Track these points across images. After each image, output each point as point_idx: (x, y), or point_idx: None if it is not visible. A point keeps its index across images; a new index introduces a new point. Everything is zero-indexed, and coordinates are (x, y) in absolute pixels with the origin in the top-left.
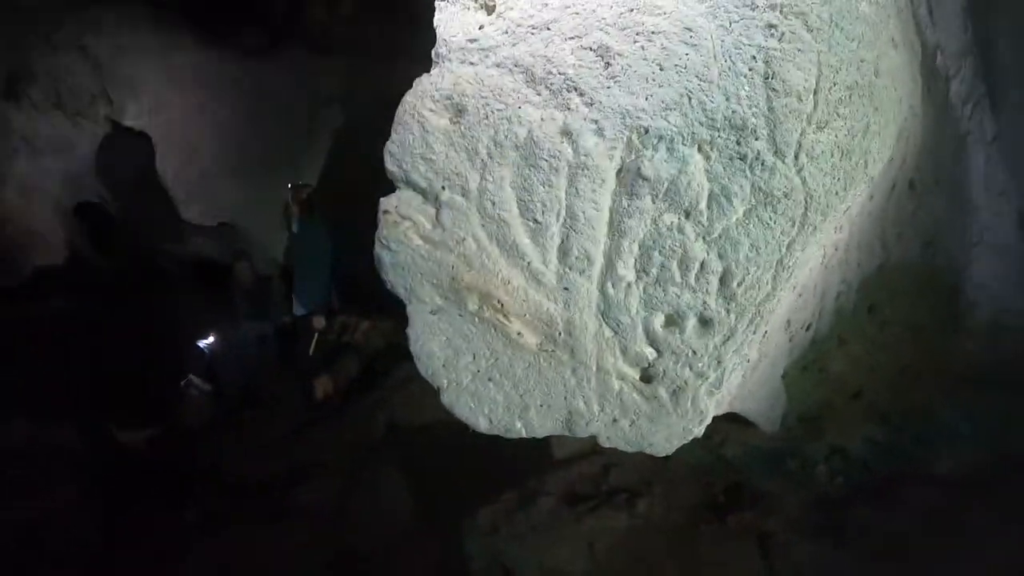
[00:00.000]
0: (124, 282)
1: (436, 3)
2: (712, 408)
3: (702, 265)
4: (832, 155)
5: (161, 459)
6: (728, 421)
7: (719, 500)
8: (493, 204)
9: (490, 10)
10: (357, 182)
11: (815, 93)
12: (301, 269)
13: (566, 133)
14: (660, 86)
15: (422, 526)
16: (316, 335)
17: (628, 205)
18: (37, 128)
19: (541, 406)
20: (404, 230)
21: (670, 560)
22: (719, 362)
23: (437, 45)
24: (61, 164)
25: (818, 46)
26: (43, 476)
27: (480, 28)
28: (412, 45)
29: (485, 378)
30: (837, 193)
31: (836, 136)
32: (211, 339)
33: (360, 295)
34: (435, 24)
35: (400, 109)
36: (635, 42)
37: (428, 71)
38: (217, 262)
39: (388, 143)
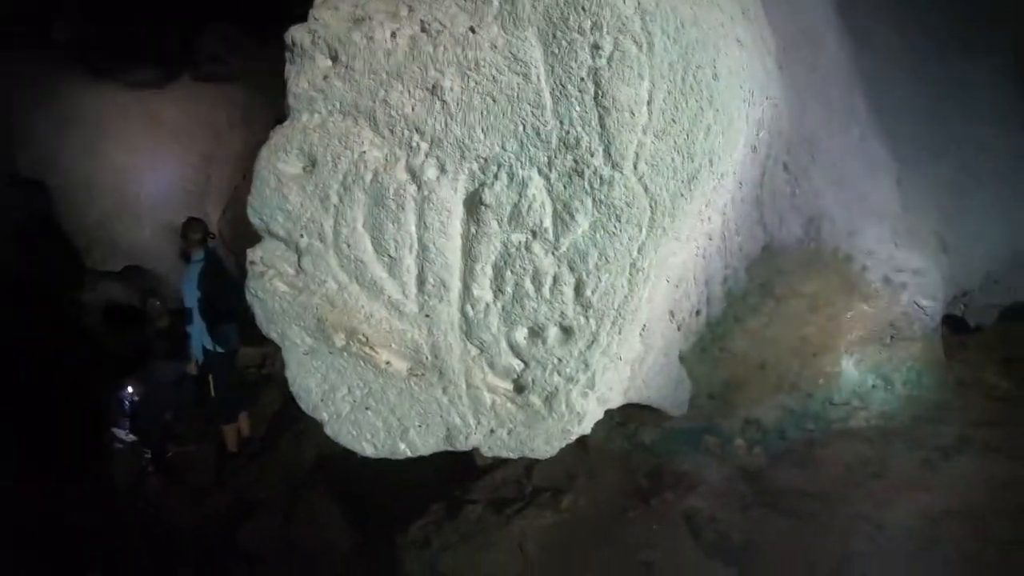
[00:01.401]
0: (32, 336)
1: (286, 55)
2: (592, 406)
3: (555, 279)
4: (673, 160)
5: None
6: (640, 409)
7: (642, 485)
8: (349, 246)
9: (334, 59)
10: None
11: (648, 104)
12: (199, 306)
13: (410, 171)
14: (494, 116)
15: (361, 549)
16: (211, 376)
17: (476, 231)
18: None
19: (420, 426)
20: (269, 279)
21: (601, 549)
22: (587, 365)
23: (287, 97)
24: None
25: (648, 59)
26: None
27: (325, 79)
28: None
29: (362, 407)
30: (683, 195)
31: (675, 141)
32: (129, 387)
33: None
34: (285, 76)
35: (257, 163)
36: (467, 77)
37: None
38: (127, 305)
39: (249, 196)
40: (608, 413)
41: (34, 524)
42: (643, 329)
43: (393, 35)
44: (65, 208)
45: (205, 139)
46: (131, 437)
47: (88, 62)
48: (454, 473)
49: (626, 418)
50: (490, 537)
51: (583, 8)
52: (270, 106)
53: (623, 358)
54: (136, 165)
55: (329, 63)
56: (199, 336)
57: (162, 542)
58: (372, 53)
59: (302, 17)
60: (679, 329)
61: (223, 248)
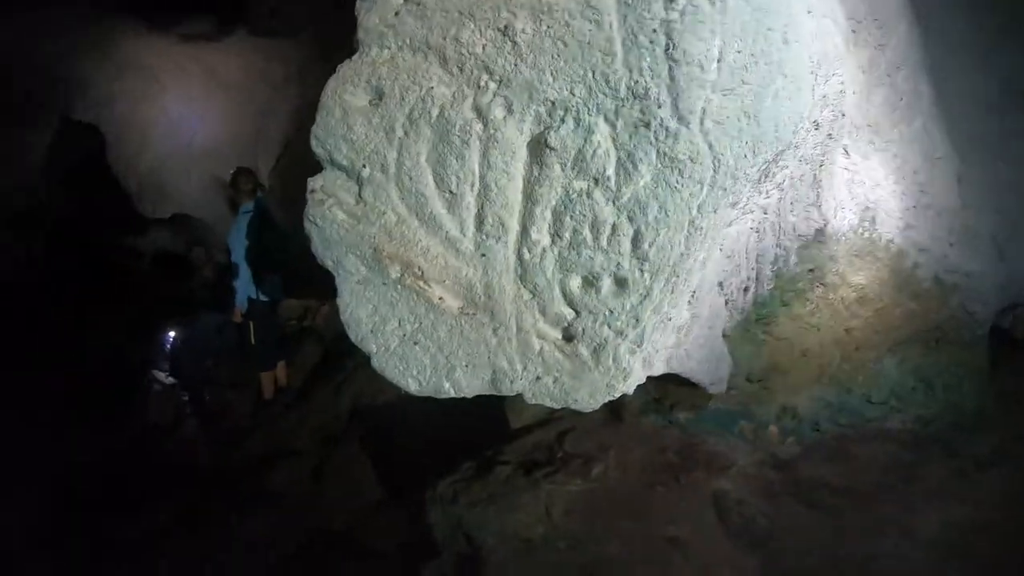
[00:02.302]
0: (81, 280)
1: None
2: (637, 366)
3: (613, 228)
4: (739, 120)
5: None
6: (678, 385)
7: (673, 462)
8: (410, 179)
9: None
10: (311, 165)
11: (718, 61)
12: (246, 255)
13: (476, 109)
14: (564, 61)
15: (387, 501)
16: (252, 324)
17: (539, 174)
18: None
19: (466, 366)
20: (329, 207)
21: (626, 520)
22: (637, 320)
23: (357, 31)
24: (13, 167)
25: (720, 17)
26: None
27: (396, 14)
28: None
29: (411, 342)
30: (746, 156)
31: (742, 102)
32: (171, 332)
33: (317, 278)
34: (356, 11)
35: (323, 93)
36: (540, 20)
37: None
38: (174, 253)
39: (313, 126)
40: (644, 387)
41: (74, 464)
42: (692, 295)
43: None
44: (118, 154)
45: (259, 93)
46: (170, 379)
47: (143, 13)
48: (487, 434)
49: (662, 394)
50: (517, 498)
51: None
52: (325, 62)
53: (672, 320)
54: (190, 115)
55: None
56: (244, 285)
57: (193, 483)
58: None
59: None
60: (727, 304)
61: (272, 201)
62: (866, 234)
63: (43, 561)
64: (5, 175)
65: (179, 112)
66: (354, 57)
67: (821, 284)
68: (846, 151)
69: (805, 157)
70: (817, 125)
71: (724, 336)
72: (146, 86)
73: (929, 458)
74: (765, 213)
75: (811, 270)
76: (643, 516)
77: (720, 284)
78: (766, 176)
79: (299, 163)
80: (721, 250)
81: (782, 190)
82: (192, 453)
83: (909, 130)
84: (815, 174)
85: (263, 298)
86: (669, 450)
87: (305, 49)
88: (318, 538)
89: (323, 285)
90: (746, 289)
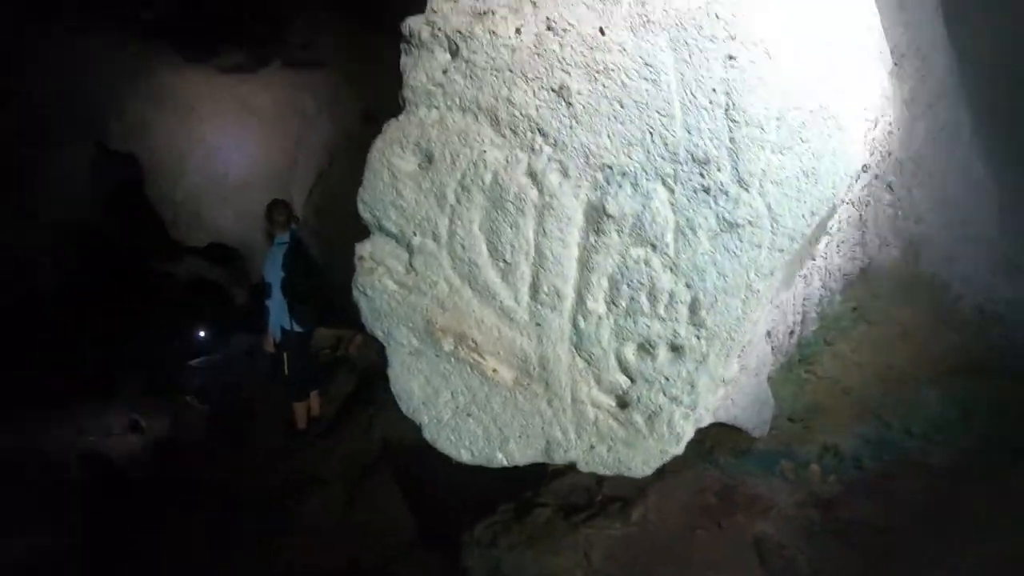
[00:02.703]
0: (118, 301)
1: (401, 46)
2: (689, 429)
3: (671, 295)
4: (798, 179)
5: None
6: (718, 426)
7: (713, 504)
8: (463, 247)
9: (454, 53)
10: (344, 194)
11: (778, 119)
12: (281, 285)
13: (531, 175)
14: (622, 123)
15: (421, 540)
16: (285, 355)
17: (595, 241)
18: (21, 151)
19: (520, 437)
20: (379, 276)
21: (666, 566)
22: (692, 386)
23: (403, 89)
24: (48, 186)
25: (778, 72)
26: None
27: (444, 72)
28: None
29: (464, 414)
30: (804, 216)
31: (801, 161)
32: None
33: (351, 308)
34: (401, 68)
35: (370, 155)
36: (595, 80)
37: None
38: (208, 280)
39: (360, 190)
40: None
41: (105, 477)
42: (742, 349)
43: (518, 31)
44: (154, 182)
45: (293, 124)
46: (202, 406)
47: (179, 46)
48: (524, 474)
49: (703, 435)
50: (557, 542)
51: (717, 15)
52: (358, 93)
53: (724, 380)
54: (225, 145)
55: (448, 57)
56: (277, 314)
57: (224, 508)
58: (495, 48)
59: (415, 8)
60: (772, 350)
61: (306, 231)
62: (910, 269)
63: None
64: (46, 192)
65: (215, 142)
66: (401, 117)
67: (864, 321)
68: (890, 187)
69: (852, 200)
70: (866, 168)
71: (768, 379)
72: (183, 116)
73: (971, 492)
74: (813, 259)
75: (854, 308)
76: (683, 561)
77: (769, 333)
78: (821, 230)
79: (332, 194)
80: (771, 301)
81: (830, 234)
82: (222, 476)
83: (951, 161)
84: (861, 214)
85: (297, 328)
86: (709, 492)
87: (336, 80)
88: (346, 571)
89: (356, 315)
90: (791, 333)
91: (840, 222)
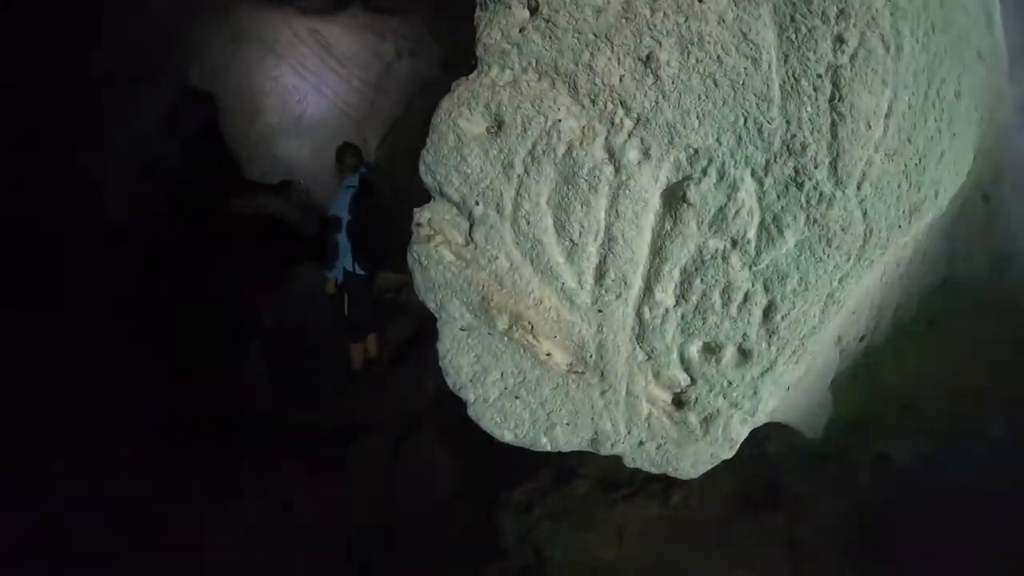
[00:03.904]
0: (190, 237)
1: (477, 0)
2: (744, 433)
3: (746, 296)
4: (899, 186)
5: None
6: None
7: (755, 498)
8: (528, 222)
9: (533, 10)
10: (417, 142)
11: (886, 117)
12: (347, 228)
13: (608, 150)
14: (713, 103)
15: (460, 495)
16: (346, 297)
17: (671, 229)
18: (103, 91)
19: (567, 425)
20: (436, 245)
21: (697, 556)
22: (755, 392)
23: (476, 46)
24: (129, 125)
25: (894, 64)
26: (103, 422)
27: (521, 31)
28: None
29: (512, 395)
30: (900, 226)
31: (905, 165)
32: (272, 290)
33: None
34: (475, 22)
35: (436, 116)
36: (688, 53)
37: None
38: (279, 217)
39: (423, 151)
40: None
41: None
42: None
43: None
44: (230, 121)
45: (371, 68)
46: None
47: None
48: None
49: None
50: (592, 517)
51: None
52: (437, 41)
53: (788, 387)
54: (302, 86)
55: (527, 14)
56: (341, 258)
57: (275, 442)
58: (579, 8)
59: None
60: (840, 353)
61: (376, 175)
62: (994, 287)
63: (130, 500)
64: (125, 129)
65: (292, 83)
66: (471, 76)
67: (938, 335)
68: (986, 197)
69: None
70: (968, 175)
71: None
72: (261, 56)
73: (1021, 527)
74: (897, 265)
75: (930, 321)
76: (716, 553)
77: (839, 337)
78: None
79: (404, 140)
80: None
81: (918, 240)
82: (278, 413)
83: None
84: (951, 223)
85: (359, 271)
86: (753, 485)
87: (416, 27)
88: (385, 517)
89: None
90: (861, 338)
91: (930, 228)
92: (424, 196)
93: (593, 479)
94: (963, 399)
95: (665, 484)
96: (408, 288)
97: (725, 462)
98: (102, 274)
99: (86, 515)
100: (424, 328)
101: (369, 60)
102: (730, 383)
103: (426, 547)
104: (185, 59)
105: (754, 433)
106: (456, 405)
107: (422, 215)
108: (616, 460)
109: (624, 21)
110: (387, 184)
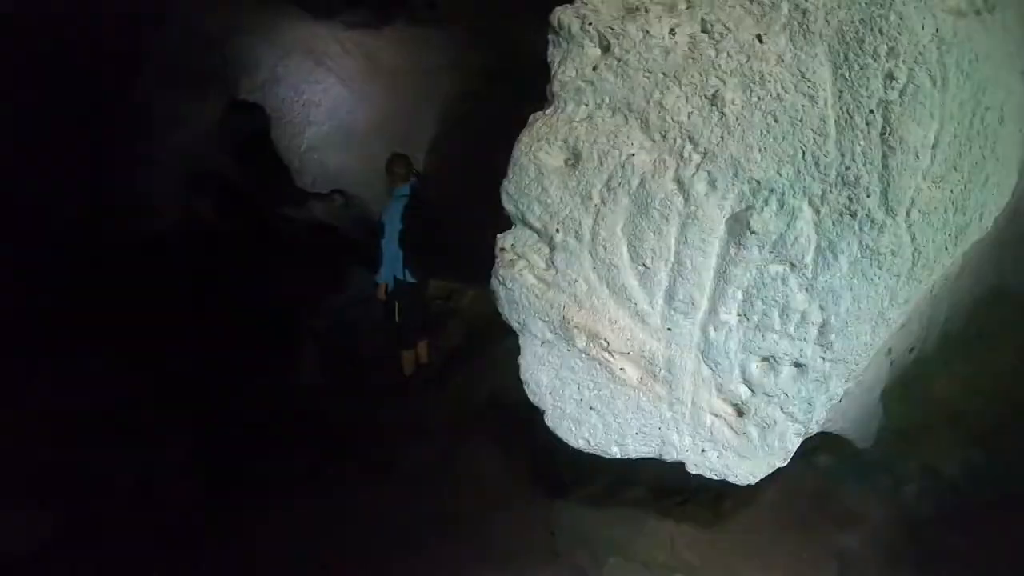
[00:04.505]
0: (242, 245)
1: (549, 37)
2: (798, 443)
3: (803, 315)
4: (946, 211)
5: None
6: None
7: (804, 508)
8: (605, 248)
9: (605, 49)
10: (463, 152)
11: (934, 147)
12: (399, 237)
13: (678, 182)
14: (774, 138)
15: (514, 498)
16: (397, 304)
17: (735, 254)
18: (155, 104)
19: (637, 435)
20: (519, 269)
21: (747, 564)
22: (810, 405)
23: (551, 83)
24: (180, 136)
25: (940, 97)
26: (158, 425)
27: (594, 69)
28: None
29: (587, 407)
30: (947, 248)
31: (951, 191)
32: (324, 296)
33: (465, 262)
34: (548, 60)
35: (516, 149)
36: (750, 91)
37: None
38: (330, 225)
39: (505, 181)
40: None
41: (224, 411)
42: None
43: (672, 32)
44: (281, 132)
45: (417, 79)
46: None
47: (305, 4)
48: None
49: (808, 437)
50: (645, 523)
51: (880, 31)
52: (481, 53)
53: (840, 399)
54: (350, 98)
55: (599, 52)
56: (392, 264)
57: (327, 446)
58: (648, 48)
59: None
60: (891, 365)
61: (425, 185)
62: None
63: (182, 501)
64: (178, 139)
65: (340, 95)
66: (548, 111)
67: (988, 347)
68: None
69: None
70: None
71: (881, 393)
72: (310, 69)
73: None
74: (945, 279)
75: (980, 333)
76: (765, 563)
77: (889, 349)
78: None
79: (451, 150)
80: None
81: (967, 254)
82: (331, 416)
83: None
84: (1001, 235)
85: (410, 279)
86: (803, 495)
87: (459, 40)
88: (438, 519)
89: (470, 269)
90: (911, 350)
91: (979, 242)
92: (475, 208)
93: (646, 486)
94: (1013, 412)
95: (716, 493)
96: (458, 294)
97: (775, 472)
98: (155, 282)
99: (137, 516)
100: (475, 334)
101: (414, 71)
102: (787, 395)
103: (479, 551)
104: (236, 72)
105: (804, 444)
106: (511, 410)
107: (505, 240)
108: (668, 468)
109: (691, 61)
110: (434, 193)
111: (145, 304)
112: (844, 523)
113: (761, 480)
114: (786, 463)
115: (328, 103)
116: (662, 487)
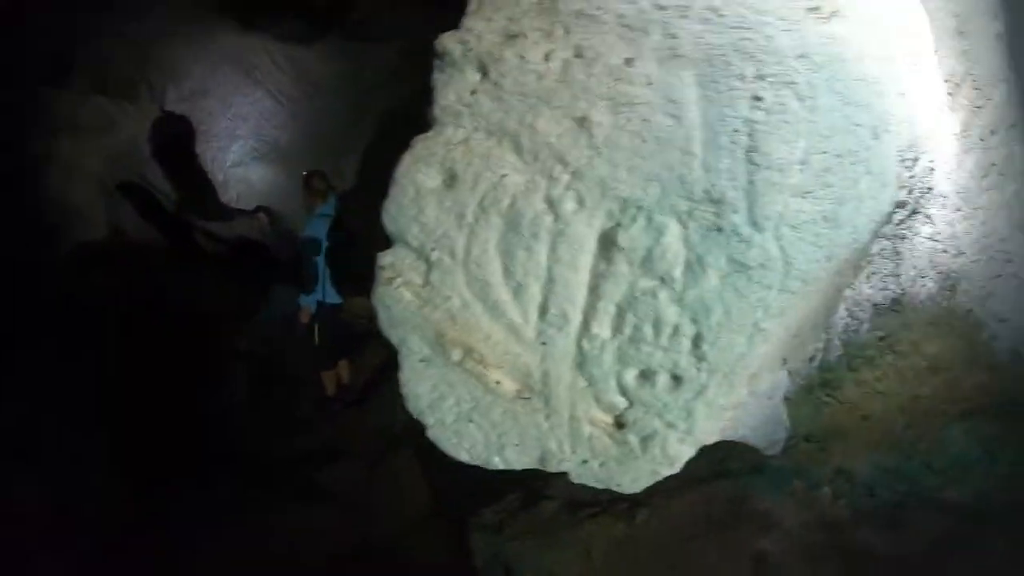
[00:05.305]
0: (163, 259)
1: (434, 62)
2: (686, 452)
3: (675, 328)
4: (816, 224)
5: None
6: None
7: (718, 515)
8: (478, 266)
9: (483, 74)
10: (390, 173)
11: (802, 164)
12: (322, 255)
13: (548, 201)
14: (641, 157)
15: (433, 518)
16: (316, 327)
17: (605, 270)
18: (80, 112)
19: (516, 445)
20: (397, 286)
21: (664, 571)
22: (689, 414)
23: (432, 107)
24: (103, 145)
25: (807, 116)
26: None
27: (472, 93)
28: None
29: (466, 419)
30: (819, 261)
31: (822, 206)
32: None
33: None
34: (431, 84)
35: (397, 170)
36: (618, 113)
37: None
38: (255, 242)
39: (385, 202)
40: None
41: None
42: (752, 376)
43: (547, 57)
44: (208, 144)
45: (349, 95)
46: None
47: (237, 15)
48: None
49: (715, 444)
50: (559, 536)
51: (748, 53)
52: (416, 70)
53: (726, 407)
54: (281, 112)
55: (478, 78)
56: (313, 287)
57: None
58: (523, 73)
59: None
60: (789, 374)
61: (352, 203)
62: (944, 303)
63: (103, 526)
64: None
65: (269, 108)
66: (429, 134)
67: (892, 351)
68: (930, 219)
69: (885, 234)
70: (902, 205)
71: (785, 399)
72: (239, 81)
73: (984, 534)
74: (839, 290)
75: (882, 338)
76: (681, 569)
77: (784, 359)
78: (851, 266)
79: (380, 168)
80: (787, 330)
81: (859, 267)
82: (252, 439)
83: (1000, 197)
84: (895, 246)
85: (329, 302)
86: (717, 503)
87: (394, 56)
88: (362, 542)
89: None
90: (812, 359)
91: (873, 254)
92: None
93: (559, 500)
94: (921, 412)
95: (631, 503)
96: None
97: (688, 480)
98: (75, 297)
99: (57, 539)
100: (396, 354)
101: (347, 87)
102: (665, 405)
103: (401, 569)
104: (163, 82)
105: (715, 451)
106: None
107: (385, 259)
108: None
109: (562, 85)
110: (361, 211)
111: (61, 319)
112: (760, 528)
113: (675, 490)
114: (676, 470)
115: (256, 117)
116: (575, 499)
